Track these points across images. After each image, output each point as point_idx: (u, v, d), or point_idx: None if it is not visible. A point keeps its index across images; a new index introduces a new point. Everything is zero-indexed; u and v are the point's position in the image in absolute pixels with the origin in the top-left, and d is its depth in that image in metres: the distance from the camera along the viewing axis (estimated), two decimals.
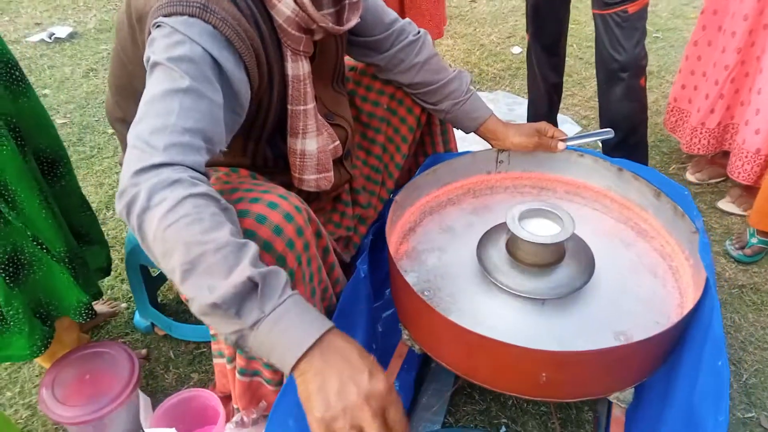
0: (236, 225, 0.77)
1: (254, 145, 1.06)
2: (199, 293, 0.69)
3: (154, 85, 0.79)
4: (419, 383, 1.30)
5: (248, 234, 0.86)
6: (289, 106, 1.02)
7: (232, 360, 1.01)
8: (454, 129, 1.42)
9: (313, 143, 1.07)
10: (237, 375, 1.01)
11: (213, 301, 0.67)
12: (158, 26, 0.82)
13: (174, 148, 0.75)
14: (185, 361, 1.44)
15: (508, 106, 2.51)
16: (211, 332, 1.08)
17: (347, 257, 1.23)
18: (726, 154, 1.97)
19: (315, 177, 1.11)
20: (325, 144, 1.11)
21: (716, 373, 0.83)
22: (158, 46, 0.81)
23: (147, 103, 0.78)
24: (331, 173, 1.13)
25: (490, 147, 1.36)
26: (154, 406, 1.17)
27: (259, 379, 1.03)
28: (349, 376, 0.66)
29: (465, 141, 2.16)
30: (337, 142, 1.15)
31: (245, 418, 1.03)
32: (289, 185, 1.12)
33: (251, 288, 0.69)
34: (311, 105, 1.03)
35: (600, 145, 1.99)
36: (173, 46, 0.80)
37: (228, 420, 1.10)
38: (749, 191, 1.89)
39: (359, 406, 0.65)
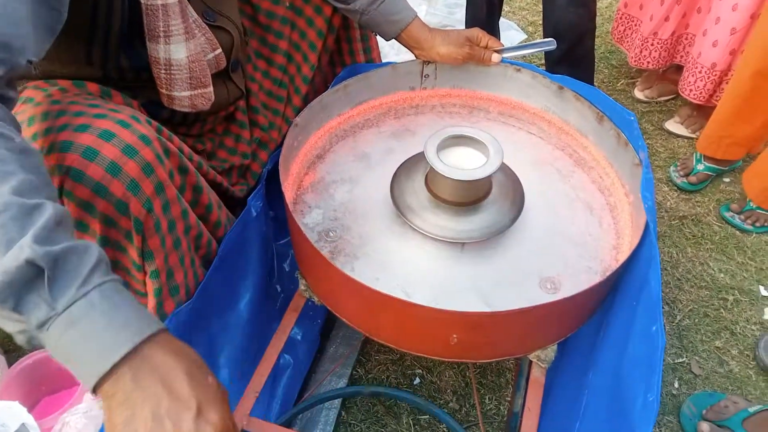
0: (37, 174, 0.55)
1: (101, 51, 0.83)
2: None
3: None
4: (327, 331, 1.17)
5: (73, 175, 0.66)
6: (142, 0, 0.79)
7: None
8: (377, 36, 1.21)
9: (181, 50, 0.85)
10: None
11: None
12: None
13: None
14: None
15: (449, 8, 2.25)
16: None
17: (241, 192, 1.04)
18: (679, 69, 1.82)
19: (188, 94, 0.89)
20: (199, 52, 0.88)
21: (649, 340, 0.71)
22: None
23: None
24: (210, 89, 0.92)
25: (415, 58, 1.16)
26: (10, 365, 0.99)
27: None
28: (167, 410, 0.48)
29: (393, 48, 1.92)
30: (219, 50, 0.93)
31: None
32: (159, 104, 0.90)
33: (34, 275, 0.49)
34: None
35: (544, 59, 1.80)
36: None
37: None
38: (700, 111, 1.76)
39: None
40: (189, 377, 0.50)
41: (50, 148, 0.67)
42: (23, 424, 0.93)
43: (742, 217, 1.52)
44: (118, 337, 0.49)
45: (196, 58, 0.88)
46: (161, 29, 0.82)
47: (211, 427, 0.49)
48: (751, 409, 1.06)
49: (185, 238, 0.81)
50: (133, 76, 0.88)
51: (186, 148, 0.85)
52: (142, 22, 0.81)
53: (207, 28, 0.90)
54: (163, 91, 0.88)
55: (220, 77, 0.98)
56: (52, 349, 0.50)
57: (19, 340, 0.51)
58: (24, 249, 0.48)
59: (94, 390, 0.49)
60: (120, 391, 0.49)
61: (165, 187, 0.74)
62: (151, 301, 0.79)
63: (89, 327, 0.49)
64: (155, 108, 0.92)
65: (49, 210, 0.51)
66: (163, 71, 0.86)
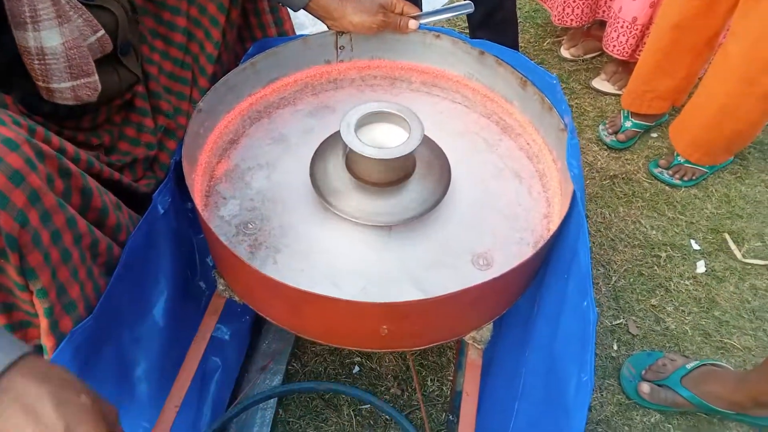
0: None
1: None
2: None
3: None
4: (258, 326, 1.11)
5: None
6: None
7: None
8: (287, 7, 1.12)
9: (54, 36, 0.75)
10: None
11: None
12: None
13: None
14: None
15: None
16: None
17: (147, 186, 0.95)
18: (603, 26, 1.81)
19: (69, 85, 0.80)
20: (78, 36, 0.78)
21: (580, 316, 0.69)
22: None
23: None
24: (95, 78, 0.82)
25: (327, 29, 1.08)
26: None
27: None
28: None
29: (309, 18, 1.82)
30: (102, 32, 0.83)
31: None
32: (39, 97, 0.80)
33: None
34: None
35: (467, 24, 1.75)
36: None
37: None
38: (625, 67, 1.76)
39: None
40: (55, 400, 0.47)
41: None
42: None
43: (671, 172, 1.53)
44: None
45: (74, 44, 0.78)
46: (27, 14, 0.72)
47: None
48: (689, 366, 1.07)
49: (76, 248, 0.72)
50: (5, 69, 0.78)
51: (70, 148, 0.75)
52: (3, 7, 0.71)
53: (84, 8, 0.80)
54: (41, 83, 0.78)
55: (109, 63, 0.88)
56: None
57: None
58: None
59: None
60: None
61: (41, 195, 0.65)
62: (44, 322, 0.71)
63: None
64: (35, 102, 0.81)
65: None
66: (36, 62, 0.76)
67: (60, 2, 0.75)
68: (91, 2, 0.83)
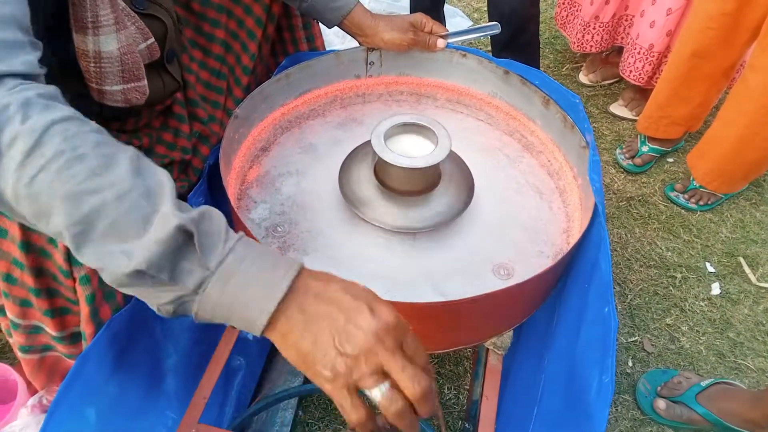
0: (128, 152, 0.53)
1: None
2: (109, 262, 0.49)
3: None
4: None
5: None
6: None
7: (11, 333, 0.78)
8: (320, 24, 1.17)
9: (111, 41, 0.79)
10: (19, 352, 0.79)
11: (134, 269, 0.48)
12: None
13: None
14: None
15: None
16: None
17: (181, 188, 0.99)
18: (621, 53, 1.85)
19: (121, 88, 0.84)
20: (131, 42, 0.83)
21: (602, 322, 0.71)
22: None
23: None
24: (145, 82, 0.86)
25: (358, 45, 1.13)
26: None
27: (54, 354, 0.80)
28: (345, 321, 0.51)
29: (338, 37, 1.88)
30: (152, 39, 0.87)
31: (45, 399, 0.81)
32: (89, 99, 0.85)
33: (183, 240, 0.49)
34: None
35: (490, 46, 1.80)
36: None
37: None
38: (642, 94, 1.79)
39: (372, 349, 0.51)
40: (346, 291, 0.53)
41: None
42: None
43: (686, 196, 1.56)
44: (272, 280, 0.51)
45: (129, 50, 0.82)
46: (89, 20, 0.76)
47: (386, 314, 0.52)
48: (704, 384, 1.08)
49: None
50: (59, 72, 0.82)
51: None
52: (68, 11, 0.76)
53: (136, 16, 0.85)
54: (93, 85, 0.83)
55: (155, 69, 0.92)
56: (208, 311, 0.51)
57: (165, 311, 0.51)
58: (170, 218, 0.48)
59: (266, 333, 0.52)
60: (294, 327, 0.51)
61: None
62: (84, 309, 0.74)
63: (244, 278, 0.51)
64: (85, 103, 0.86)
65: (167, 181, 0.52)
66: (92, 64, 0.80)
67: (118, 10, 0.80)
68: (143, 11, 0.88)
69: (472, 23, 2.17)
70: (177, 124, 1.04)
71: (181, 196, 0.97)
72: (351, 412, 0.50)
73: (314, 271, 0.55)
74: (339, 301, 0.53)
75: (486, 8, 2.16)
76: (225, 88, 1.11)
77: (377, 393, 0.50)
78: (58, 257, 0.69)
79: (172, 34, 0.94)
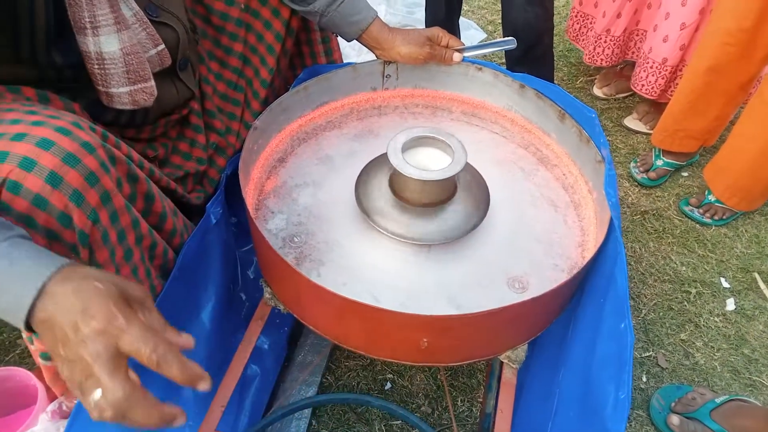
0: None
1: (30, 48, 0.77)
2: None
3: None
4: (295, 339, 1.14)
5: (10, 187, 0.62)
6: None
7: (32, 340, 0.79)
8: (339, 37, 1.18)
9: (112, 42, 0.79)
10: (39, 359, 0.80)
11: None
12: None
13: None
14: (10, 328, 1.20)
15: (408, 7, 2.24)
16: None
17: (197, 199, 1.00)
18: (635, 66, 1.85)
19: (127, 89, 0.84)
20: (135, 44, 0.83)
21: (618, 337, 0.71)
22: None
23: None
24: (152, 83, 0.86)
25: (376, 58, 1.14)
26: None
27: None
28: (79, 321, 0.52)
29: (354, 50, 1.90)
30: (162, 46, 0.88)
31: (65, 405, 0.82)
32: (101, 105, 0.85)
33: None
34: None
35: (505, 59, 1.81)
36: None
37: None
38: (657, 107, 1.79)
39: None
40: (74, 290, 0.54)
41: None
42: None
43: (701, 210, 1.55)
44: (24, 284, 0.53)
45: (132, 50, 0.82)
46: (86, 20, 0.77)
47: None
48: (718, 400, 1.08)
49: (137, 248, 0.77)
50: (71, 75, 0.83)
51: (135, 155, 0.80)
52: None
53: (149, 23, 0.86)
54: (100, 88, 0.83)
55: (168, 76, 0.94)
56: None
57: None
58: None
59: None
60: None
61: (112, 197, 0.70)
62: None
63: None
64: (98, 109, 0.87)
65: None
66: (96, 66, 0.81)
67: (119, 10, 0.80)
68: (155, 18, 0.89)
69: (486, 36, 2.18)
70: (193, 135, 1.05)
71: (198, 207, 0.98)
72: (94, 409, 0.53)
73: (72, 269, 0.56)
74: (61, 305, 0.54)
75: (500, 21, 2.18)
76: (242, 101, 1.12)
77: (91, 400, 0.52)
78: None
79: (185, 41, 0.95)
